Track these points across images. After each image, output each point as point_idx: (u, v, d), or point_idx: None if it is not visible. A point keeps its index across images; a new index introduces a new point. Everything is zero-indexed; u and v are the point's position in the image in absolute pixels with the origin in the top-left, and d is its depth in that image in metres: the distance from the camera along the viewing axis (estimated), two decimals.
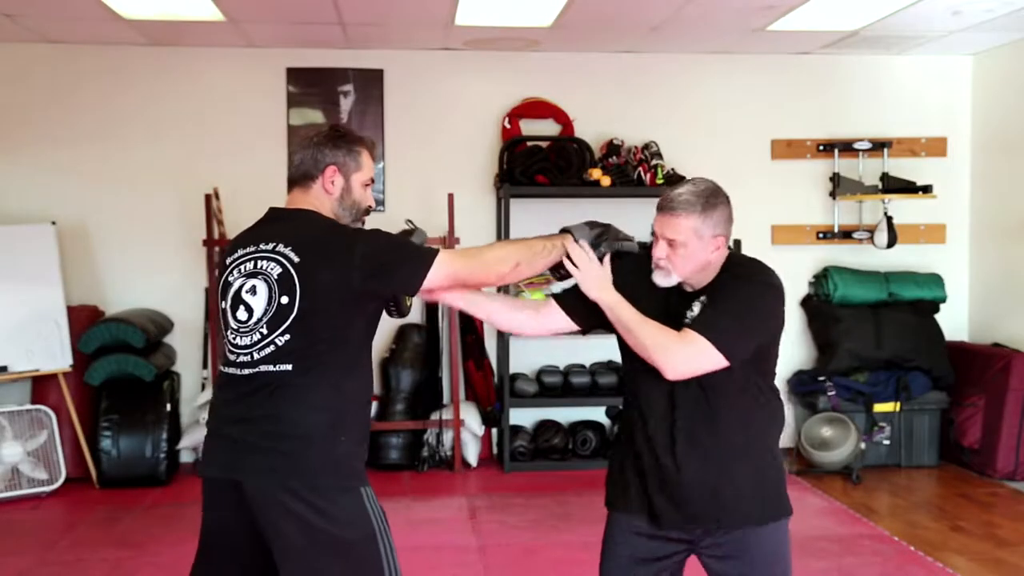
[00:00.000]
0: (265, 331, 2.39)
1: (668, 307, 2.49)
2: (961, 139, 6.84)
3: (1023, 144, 6.32)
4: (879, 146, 6.67)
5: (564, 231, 2.62)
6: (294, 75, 6.47)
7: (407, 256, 2.47)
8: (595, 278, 2.52)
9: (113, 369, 5.81)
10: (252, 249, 2.47)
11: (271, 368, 2.38)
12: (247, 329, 2.42)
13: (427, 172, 6.50)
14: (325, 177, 2.52)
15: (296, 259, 2.40)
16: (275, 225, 2.53)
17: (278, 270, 2.40)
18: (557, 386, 6.34)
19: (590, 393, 6.33)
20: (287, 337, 2.38)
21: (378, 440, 6.21)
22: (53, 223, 5.99)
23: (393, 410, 6.24)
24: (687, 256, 2.42)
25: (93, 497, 5.70)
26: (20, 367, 5.74)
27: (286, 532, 2.34)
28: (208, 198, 6.08)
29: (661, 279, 2.48)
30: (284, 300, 2.38)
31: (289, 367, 2.37)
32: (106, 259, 6.37)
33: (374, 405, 6.27)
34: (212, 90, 6.43)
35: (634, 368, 2.52)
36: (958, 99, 6.84)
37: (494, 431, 6.51)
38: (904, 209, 6.62)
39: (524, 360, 6.52)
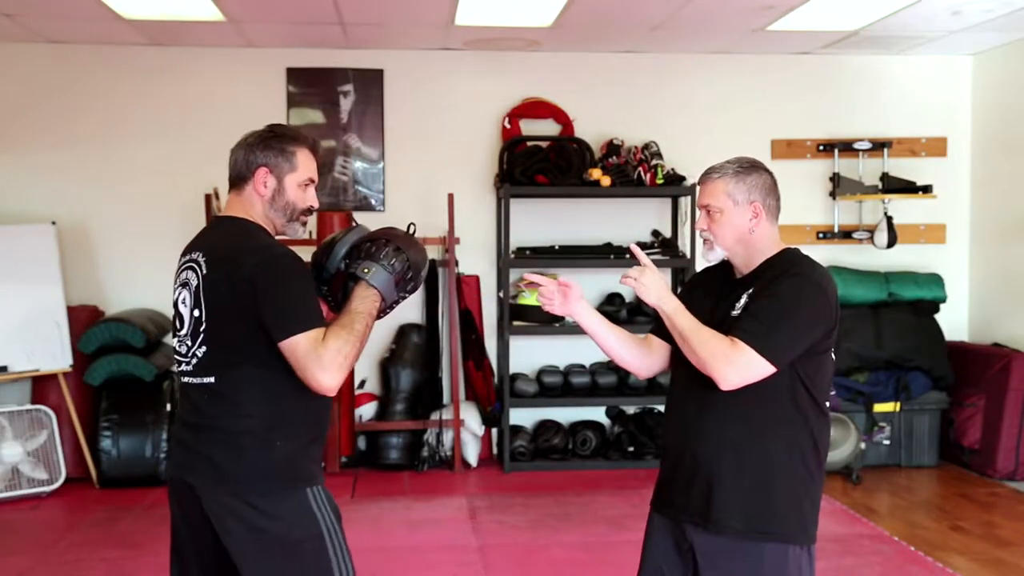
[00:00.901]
0: (189, 343, 2.42)
1: (718, 297, 2.51)
2: (961, 139, 6.84)
3: (1023, 144, 6.32)
4: (879, 146, 6.67)
5: (354, 280, 2.45)
6: (294, 75, 6.47)
7: (286, 306, 2.31)
8: (654, 287, 2.48)
9: (113, 369, 5.81)
10: (186, 258, 2.50)
11: (200, 380, 2.40)
12: (179, 339, 2.47)
13: (427, 172, 6.50)
14: (256, 179, 2.48)
15: (204, 271, 2.40)
16: (206, 233, 2.56)
17: (195, 281, 2.42)
18: (557, 386, 6.34)
19: (590, 393, 6.33)
20: (204, 349, 2.39)
21: (378, 440, 6.22)
22: (53, 223, 5.99)
23: (393, 410, 6.24)
24: (724, 223, 2.46)
25: (93, 497, 5.70)
26: (20, 367, 5.74)
27: (234, 533, 2.36)
28: (208, 198, 6.08)
29: (707, 253, 2.52)
30: (196, 313, 2.40)
31: (212, 379, 2.38)
32: (106, 259, 6.37)
33: (374, 405, 6.29)
34: (212, 90, 6.43)
35: (675, 363, 2.57)
36: (958, 99, 6.84)
37: (494, 431, 6.51)
38: (904, 209, 6.62)
39: (524, 360, 6.52)
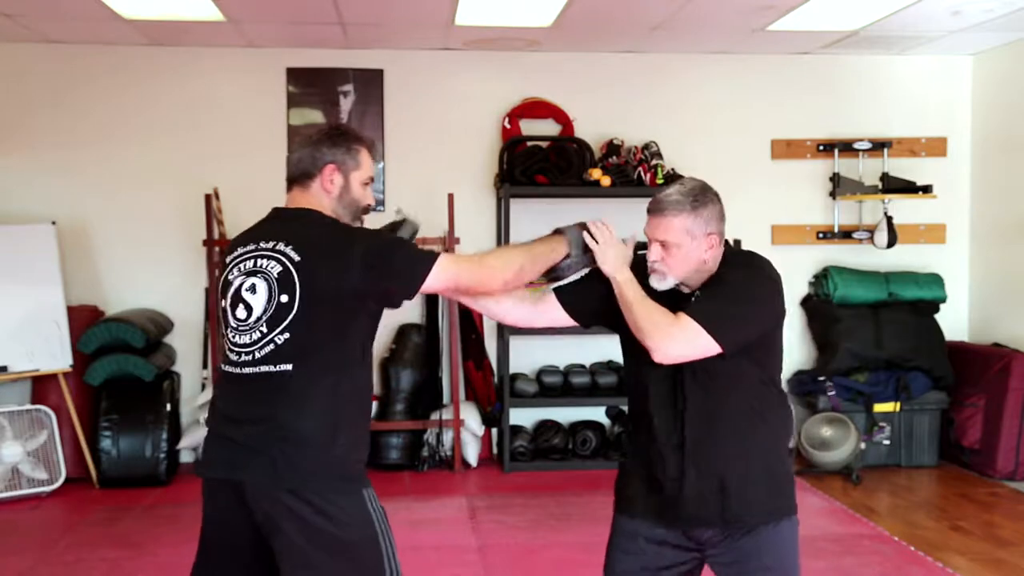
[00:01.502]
0: (264, 330, 2.38)
1: (669, 303, 2.47)
2: (961, 139, 6.84)
3: (1023, 144, 6.32)
4: (879, 146, 6.67)
5: (557, 232, 2.63)
6: (294, 75, 6.47)
7: (408, 258, 2.44)
8: (614, 255, 2.51)
9: (113, 369, 5.81)
10: (252, 248, 2.47)
11: (271, 368, 2.37)
12: (246, 328, 2.41)
13: (427, 172, 6.49)
14: (324, 176, 2.51)
15: (296, 258, 2.39)
16: (276, 224, 2.52)
17: (278, 268, 2.39)
18: (557, 386, 6.34)
19: (590, 393, 6.33)
20: (286, 336, 2.37)
21: (378, 440, 6.21)
22: (53, 223, 5.99)
23: (393, 410, 6.24)
24: (682, 257, 2.42)
25: (93, 497, 5.70)
26: (20, 367, 5.74)
27: (287, 533, 2.33)
28: (208, 198, 6.08)
29: (657, 283, 2.46)
30: (284, 299, 2.37)
31: (289, 367, 2.36)
32: (106, 259, 6.37)
33: (374, 405, 6.28)
34: (212, 90, 6.43)
35: (638, 366, 2.50)
36: (958, 99, 6.83)
37: (494, 431, 6.51)
38: (904, 209, 6.62)
39: (524, 360, 6.52)
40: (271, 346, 2.38)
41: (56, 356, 5.79)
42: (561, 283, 2.69)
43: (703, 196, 2.43)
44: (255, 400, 2.39)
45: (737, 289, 2.40)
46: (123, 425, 5.82)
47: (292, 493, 2.33)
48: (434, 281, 2.42)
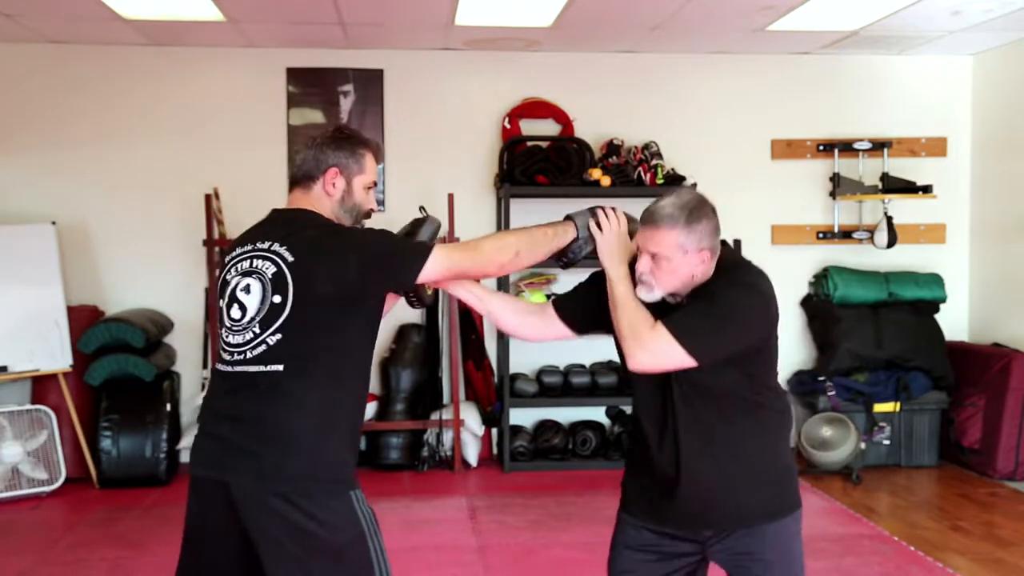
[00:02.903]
0: (257, 330, 2.38)
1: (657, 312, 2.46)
2: (961, 139, 6.84)
3: (1023, 144, 6.32)
4: (879, 146, 6.67)
5: (568, 218, 2.62)
6: (294, 75, 6.47)
7: (401, 251, 2.46)
8: (615, 247, 2.48)
9: (113, 369, 5.81)
10: (249, 248, 2.47)
11: (262, 368, 2.37)
12: (240, 327, 2.41)
13: (427, 172, 6.49)
14: (326, 178, 2.51)
15: (290, 258, 2.39)
16: (274, 224, 2.52)
17: (272, 269, 2.39)
18: (557, 386, 6.34)
19: (590, 393, 6.33)
20: (278, 336, 2.36)
21: (378, 440, 6.22)
22: (53, 223, 5.99)
23: (393, 410, 6.24)
24: (671, 271, 2.37)
25: (93, 497, 5.70)
26: (20, 367, 5.74)
27: (274, 534, 2.33)
28: (208, 198, 6.08)
29: (644, 294, 2.42)
30: (276, 299, 2.37)
31: (280, 367, 2.36)
32: (106, 259, 6.37)
33: (374, 405, 6.28)
34: (212, 90, 6.43)
35: (628, 370, 2.49)
36: (958, 99, 6.84)
37: (494, 431, 6.51)
38: (904, 209, 6.62)
39: (524, 360, 6.51)
40: (263, 346, 2.37)
41: (56, 356, 5.79)
42: (558, 295, 2.69)
43: (698, 211, 2.36)
44: (245, 399, 2.38)
45: (720, 304, 2.35)
46: (123, 425, 5.82)
47: (279, 495, 2.31)
48: (430, 272, 2.43)
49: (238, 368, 2.40)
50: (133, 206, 6.35)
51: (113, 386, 5.87)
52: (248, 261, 2.44)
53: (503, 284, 6.27)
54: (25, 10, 5.52)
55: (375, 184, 2.60)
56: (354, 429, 2.50)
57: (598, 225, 2.54)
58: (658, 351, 2.30)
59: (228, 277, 2.47)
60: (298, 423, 2.35)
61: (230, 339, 2.43)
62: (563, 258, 2.63)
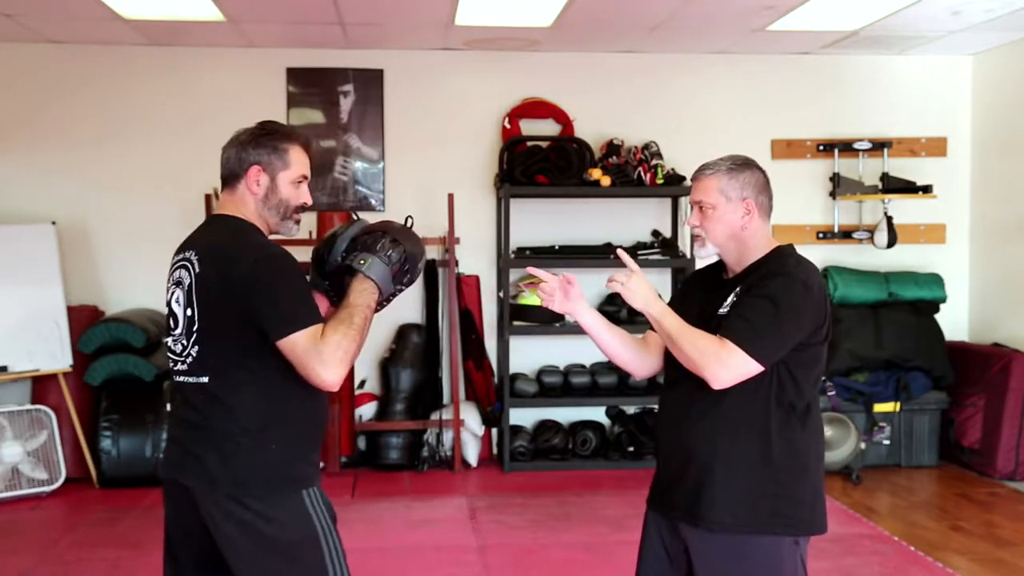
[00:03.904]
0: (184, 342, 2.40)
1: (709, 297, 2.52)
2: (961, 139, 6.84)
3: (1023, 144, 6.32)
4: (879, 146, 6.67)
5: (351, 273, 2.45)
6: (294, 75, 6.47)
7: (278, 310, 2.30)
8: (641, 291, 2.47)
9: (113, 369, 5.81)
10: (179, 257, 2.47)
11: (194, 379, 2.39)
12: (174, 338, 2.44)
13: (427, 172, 6.49)
14: (249, 177, 2.47)
15: (197, 269, 2.38)
16: (199, 231, 2.53)
17: (188, 280, 2.40)
18: (557, 386, 6.34)
19: (590, 393, 6.33)
20: (197, 348, 2.37)
21: (378, 440, 6.22)
22: (53, 223, 5.98)
23: (393, 410, 6.24)
24: (716, 219, 2.47)
25: (93, 497, 5.70)
26: (20, 367, 5.74)
27: (228, 534, 2.36)
28: (208, 198, 6.08)
29: (698, 249, 2.53)
30: (189, 312, 2.38)
31: (205, 379, 2.37)
32: (106, 259, 6.37)
33: (374, 405, 6.28)
34: (212, 90, 6.43)
35: (666, 362, 2.58)
36: (958, 99, 6.84)
37: (494, 431, 6.50)
38: (904, 209, 6.62)
39: (524, 360, 6.51)
40: (189, 358, 2.39)
41: (56, 356, 5.79)
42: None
43: (742, 164, 2.50)
44: (189, 406, 2.41)
45: (771, 300, 2.37)
46: (123, 425, 5.82)
47: (227, 496, 2.34)
48: (289, 346, 2.27)
49: (179, 378, 2.44)
50: (133, 206, 6.35)
51: (113, 386, 5.87)
52: (177, 270, 2.46)
53: (502, 284, 6.28)
54: (25, 10, 5.52)
55: (305, 178, 2.52)
56: (307, 427, 2.46)
57: (616, 280, 2.48)
58: (734, 365, 2.34)
59: (168, 285, 2.49)
60: (235, 428, 2.35)
61: (172, 348, 2.46)
62: (382, 307, 2.51)
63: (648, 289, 2.47)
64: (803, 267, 2.46)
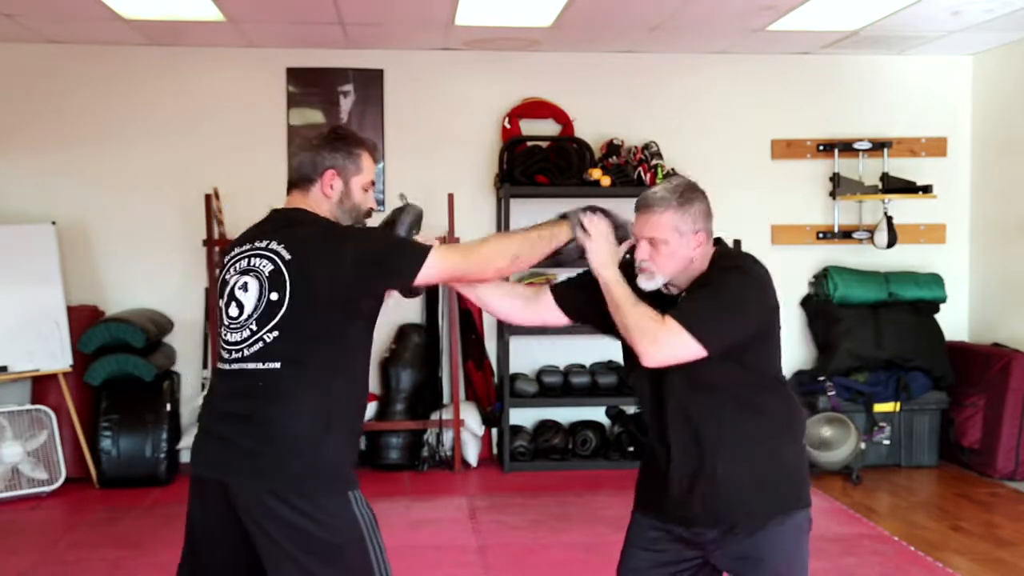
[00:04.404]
0: (254, 327, 2.38)
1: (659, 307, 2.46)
2: (961, 139, 6.84)
3: (1023, 144, 6.32)
4: (879, 146, 6.67)
5: (563, 217, 2.62)
6: (294, 75, 6.47)
7: (399, 252, 2.46)
8: (604, 251, 2.49)
9: (113, 369, 5.81)
10: (247, 247, 2.47)
11: (259, 365, 2.37)
12: (237, 325, 2.41)
13: (427, 172, 6.49)
14: (324, 181, 2.50)
15: (287, 256, 2.39)
16: (272, 223, 2.52)
17: (269, 267, 2.39)
18: (557, 386, 6.34)
19: (590, 393, 6.33)
20: (276, 334, 2.36)
21: (378, 440, 6.22)
22: (53, 223, 5.98)
23: (393, 410, 6.24)
24: (669, 254, 2.42)
25: (93, 497, 5.70)
26: (20, 367, 5.74)
27: (273, 535, 2.32)
28: (208, 198, 6.08)
29: (645, 282, 2.45)
30: (274, 297, 2.37)
31: (277, 365, 2.36)
32: (106, 259, 6.37)
33: (374, 405, 6.28)
34: (212, 90, 6.43)
35: (632, 367, 2.50)
36: (958, 99, 6.84)
37: (494, 431, 6.51)
38: (904, 209, 6.62)
39: (524, 360, 6.51)
40: (260, 344, 2.37)
41: (56, 356, 5.79)
42: (557, 282, 2.70)
43: (689, 193, 2.44)
44: (243, 397, 2.38)
45: (721, 290, 2.38)
46: (123, 425, 5.82)
47: (276, 496, 2.31)
48: (427, 274, 2.43)
49: (236, 366, 2.40)
50: (133, 206, 6.35)
51: (113, 386, 5.87)
52: (246, 260, 2.45)
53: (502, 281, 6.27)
54: (25, 10, 5.52)
55: (373, 184, 2.60)
56: (353, 428, 2.49)
57: (584, 230, 2.54)
58: (670, 344, 2.31)
59: (227, 276, 2.48)
60: (297, 422, 2.34)
61: (228, 337, 2.43)
62: (556, 257, 2.64)
63: (610, 254, 2.49)
64: (746, 260, 2.49)
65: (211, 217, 6.09)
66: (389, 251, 2.45)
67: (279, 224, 2.50)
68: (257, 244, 2.46)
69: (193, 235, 6.20)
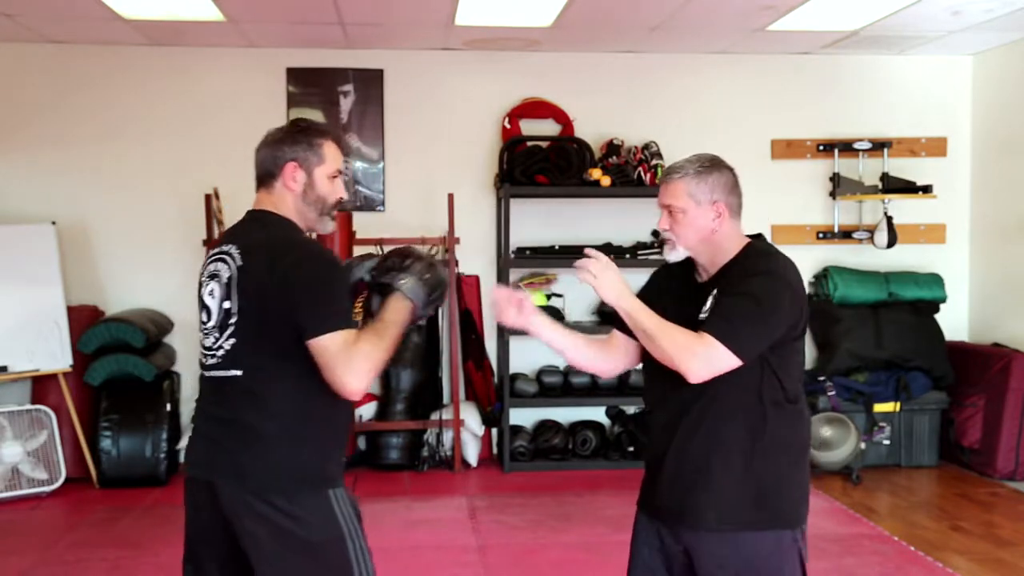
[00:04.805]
0: (217, 335, 2.39)
1: (684, 301, 2.48)
2: (961, 139, 6.84)
3: (1023, 144, 6.32)
4: (879, 146, 6.67)
5: (390, 291, 2.49)
6: (294, 75, 6.47)
7: (312, 308, 2.29)
8: (614, 283, 2.43)
9: (113, 369, 5.81)
10: (217, 251, 2.46)
11: (225, 372, 2.38)
12: (207, 331, 2.43)
13: (427, 172, 6.49)
14: (286, 174, 2.46)
15: (240, 262, 2.37)
16: (241, 226, 2.52)
17: (227, 273, 2.39)
18: (557, 386, 6.34)
19: (590, 393, 6.33)
20: (232, 342, 2.36)
21: (378, 440, 6.22)
22: (53, 223, 5.99)
23: (393, 410, 6.24)
24: (687, 223, 2.43)
25: (93, 497, 5.70)
26: (20, 367, 5.74)
27: (254, 533, 2.34)
28: (208, 198, 6.08)
29: (668, 252, 2.50)
30: (227, 304, 2.37)
31: (239, 372, 2.36)
32: (106, 259, 6.37)
33: (374, 405, 6.28)
34: (212, 90, 6.43)
35: (649, 369, 2.53)
36: (958, 99, 6.84)
37: (494, 431, 6.50)
38: (904, 209, 6.62)
39: (524, 360, 6.51)
40: (222, 351, 2.38)
41: (56, 356, 5.79)
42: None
43: (710, 165, 2.46)
44: (221, 401, 2.40)
45: (751, 297, 2.36)
46: (123, 425, 5.82)
47: (255, 495, 2.32)
48: (315, 349, 2.27)
49: (210, 372, 2.42)
50: (133, 206, 6.36)
51: (113, 386, 5.87)
52: (214, 264, 2.44)
53: (503, 281, 6.27)
54: (25, 10, 5.52)
55: (339, 172, 2.53)
56: (335, 426, 2.47)
57: (591, 272, 2.44)
58: (708, 358, 2.31)
59: (201, 279, 2.49)
60: (266, 424, 2.34)
61: (204, 342, 2.45)
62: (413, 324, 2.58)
63: (621, 283, 2.44)
64: (780, 263, 2.45)
65: (211, 217, 6.09)
66: (306, 300, 2.29)
67: (243, 226, 2.50)
68: (223, 248, 2.44)
69: (193, 235, 6.20)
